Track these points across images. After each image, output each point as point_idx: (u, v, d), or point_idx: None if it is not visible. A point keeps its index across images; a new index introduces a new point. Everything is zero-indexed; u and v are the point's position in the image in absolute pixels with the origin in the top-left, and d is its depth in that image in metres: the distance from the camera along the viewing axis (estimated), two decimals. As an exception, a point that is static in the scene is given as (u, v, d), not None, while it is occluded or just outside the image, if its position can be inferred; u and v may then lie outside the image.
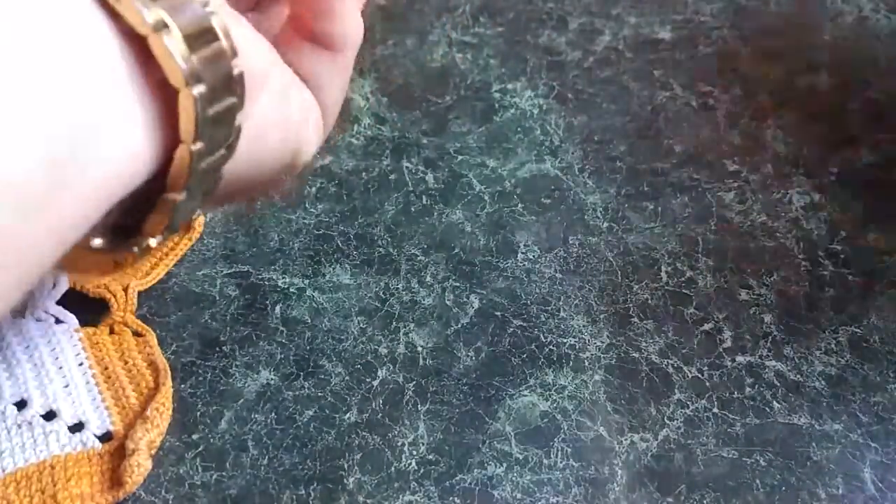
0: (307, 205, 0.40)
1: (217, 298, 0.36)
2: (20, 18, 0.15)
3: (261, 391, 0.33)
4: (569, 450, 0.32)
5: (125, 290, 0.35)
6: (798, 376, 0.34)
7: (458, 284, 0.37)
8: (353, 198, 0.40)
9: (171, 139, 0.18)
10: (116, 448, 0.31)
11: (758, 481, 0.31)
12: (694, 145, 0.42)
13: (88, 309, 0.35)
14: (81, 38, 0.16)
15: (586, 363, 0.34)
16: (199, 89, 0.18)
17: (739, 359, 0.34)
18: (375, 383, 0.33)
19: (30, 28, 0.15)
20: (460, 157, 0.42)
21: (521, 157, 0.42)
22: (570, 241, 0.38)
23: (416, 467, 0.31)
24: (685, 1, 0.49)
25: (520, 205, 0.40)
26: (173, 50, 0.17)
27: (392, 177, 0.41)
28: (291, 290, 0.36)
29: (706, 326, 0.35)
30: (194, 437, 0.32)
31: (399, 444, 0.32)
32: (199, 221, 0.38)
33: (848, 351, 0.35)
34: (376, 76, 0.45)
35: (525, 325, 0.35)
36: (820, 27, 0.48)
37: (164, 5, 0.17)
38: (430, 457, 0.31)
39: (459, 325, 0.35)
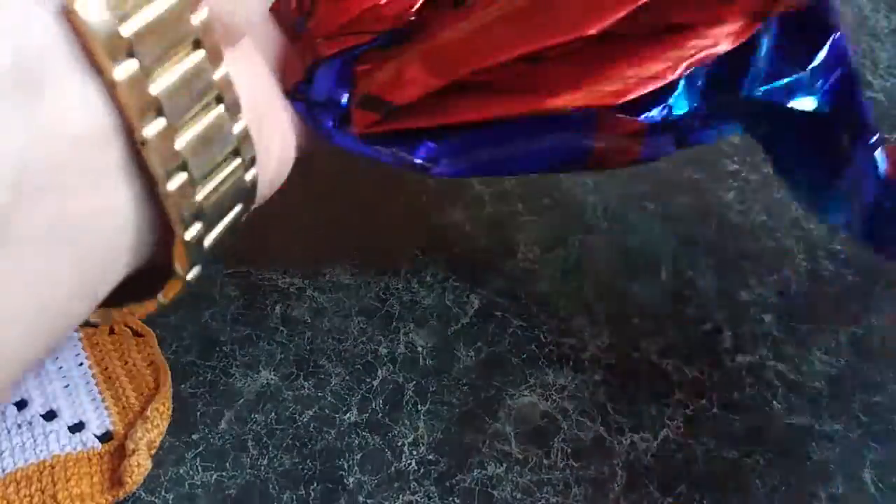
0: (307, 205, 0.40)
1: (217, 298, 0.36)
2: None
3: (261, 391, 0.33)
4: (569, 450, 0.32)
5: (125, 290, 0.35)
6: (798, 376, 0.34)
7: (458, 284, 0.37)
8: (353, 198, 0.40)
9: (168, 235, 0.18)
10: (116, 448, 0.31)
11: (758, 481, 0.31)
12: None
13: (88, 309, 0.35)
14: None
15: (586, 363, 0.34)
16: (194, 229, 0.17)
17: (739, 359, 0.34)
18: (375, 383, 0.34)
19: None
20: (460, 157, 0.42)
21: (521, 157, 0.42)
22: (570, 241, 0.38)
23: (416, 467, 0.31)
24: (685, 1, 0.49)
25: (520, 205, 0.40)
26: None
27: (392, 177, 0.41)
28: (291, 290, 0.36)
29: (706, 326, 0.35)
30: (194, 437, 0.32)
31: (399, 444, 0.32)
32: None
33: (848, 351, 0.35)
34: (376, 76, 0.45)
35: (525, 325, 0.35)
36: (820, 27, 0.48)
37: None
38: (430, 457, 0.31)
39: (459, 325, 0.35)
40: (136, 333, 0.34)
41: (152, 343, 0.34)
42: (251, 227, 0.39)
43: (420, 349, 0.35)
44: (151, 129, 0.16)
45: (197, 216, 0.17)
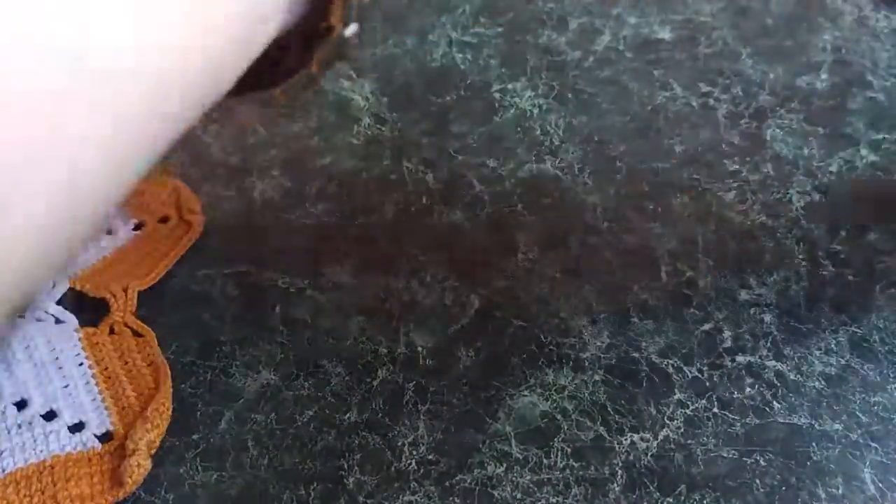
0: (307, 205, 0.40)
1: (217, 298, 0.36)
2: None
3: (261, 391, 0.33)
4: (569, 450, 0.32)
5: (125, 290, 0.35)
6: (798, 376, 0.34)
7: (458, 284, 0.37)
8: (353, 198, 0.40)
9: None
10: (116, 448, 0.31)
11: (758, 481, 0.31)
12: (694, 145, 0.42)
13: (88, 309, 0.35)
14: None
15: (586, 363, 0.34)
16: None
17: (739, 359, 0.34)
18: (375, 383, 0.34)
19: None
20: (460, 157, 0.42)
21: (521, 157, 0.42)
22: (570, 241, 0.38)
23: (416, 467, 0.31)
24: (685, 1, 0.49)
25: (520, 205, 0.40)
26: None
27: (392, 177, 0.41)
28: (291, 290, 0.36)
29: (706, 326, 0.35)
30: (194, 437, 0.32)
31: (399, 444, 0.32)
32: (199, 221, 0.38)
33: (848, 351, 0.35)
34: (376, 76, 0.45)
35: (525, 325, 0.35)
36: (820, 27, 0.48)
37: None
38: (430, 457, 0.31)
39: (459, 325, 0.35)
40: (136, 333, 0.34)
41: (152, 343, 0.34)
42: (251, 227, 0.39)
43: (420, 349, 0.35)
44: None
45: None
